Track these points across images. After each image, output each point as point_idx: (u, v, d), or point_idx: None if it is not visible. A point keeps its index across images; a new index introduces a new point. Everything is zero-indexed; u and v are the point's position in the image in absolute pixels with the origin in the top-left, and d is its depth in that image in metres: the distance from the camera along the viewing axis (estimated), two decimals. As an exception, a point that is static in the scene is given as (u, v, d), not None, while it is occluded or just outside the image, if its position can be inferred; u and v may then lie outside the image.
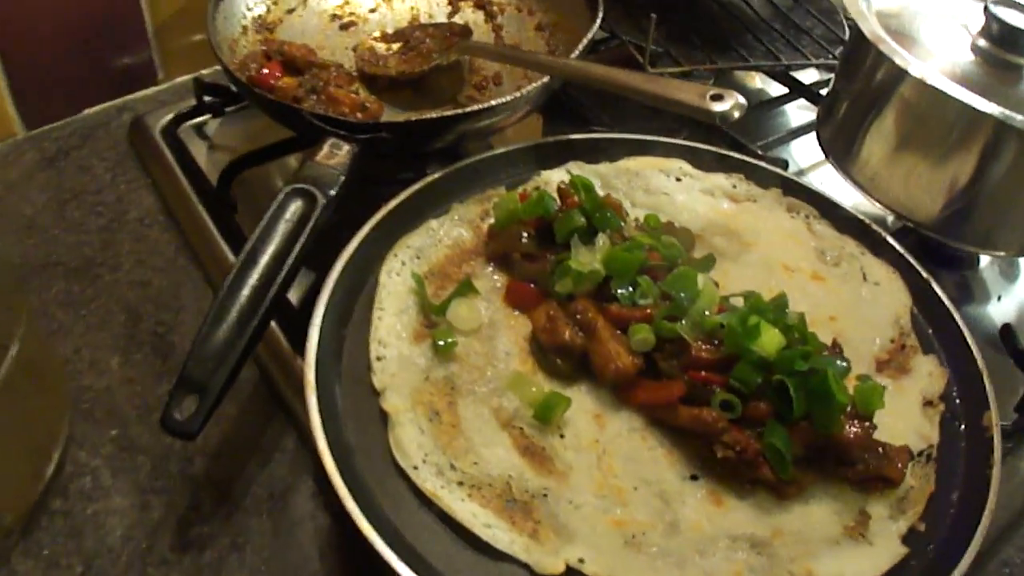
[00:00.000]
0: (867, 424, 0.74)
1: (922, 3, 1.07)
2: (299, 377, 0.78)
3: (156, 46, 1.26)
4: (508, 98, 0.95)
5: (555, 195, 0.89)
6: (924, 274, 0.91)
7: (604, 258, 0.81)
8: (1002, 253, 1.06)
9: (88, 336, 0.97)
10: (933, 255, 1.04)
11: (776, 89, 1.32)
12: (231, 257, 1.00)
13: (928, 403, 0.83)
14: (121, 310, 1.00)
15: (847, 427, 0.73)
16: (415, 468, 0.74)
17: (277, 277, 0.82)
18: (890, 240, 0.94)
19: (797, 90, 1.28)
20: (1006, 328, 0.97)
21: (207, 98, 1.17)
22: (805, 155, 1.20)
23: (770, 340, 0.73)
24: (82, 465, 0.86)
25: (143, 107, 1.25)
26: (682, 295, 0.78)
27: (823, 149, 1.09)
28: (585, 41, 1.03)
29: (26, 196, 1.13)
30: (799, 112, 1.31)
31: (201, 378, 0.77)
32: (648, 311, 0.78)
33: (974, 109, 0.90)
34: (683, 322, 0.76)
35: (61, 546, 0.80)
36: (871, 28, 0.97)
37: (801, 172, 1.15)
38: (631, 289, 0.80)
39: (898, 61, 0.94)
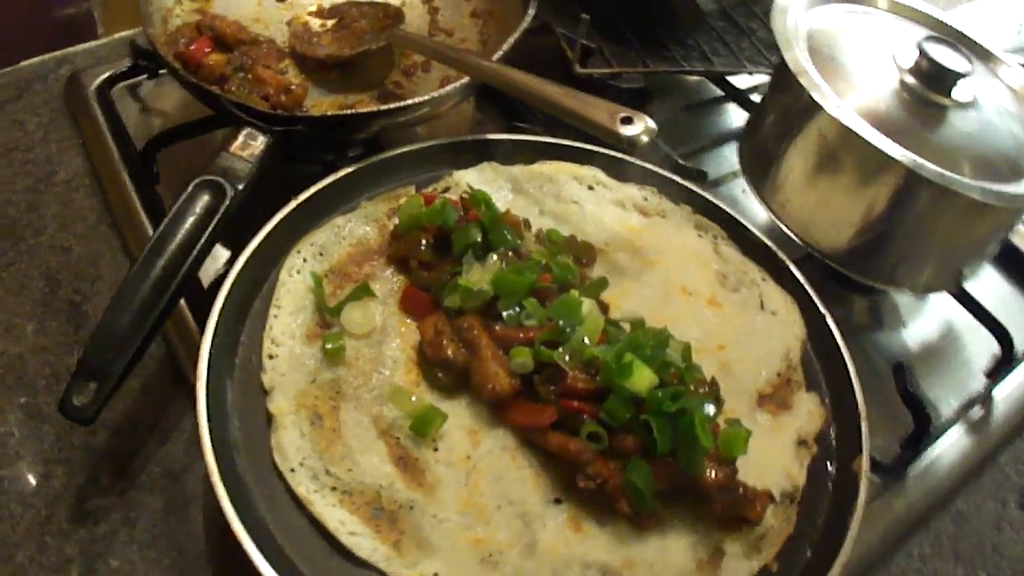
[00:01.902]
0: (729, 468, 0.77)
1: (857, 31, 1.07)
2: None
3: (98, 1, 1.26)
4: (425, 98, 0.97)
5: (459, 203, 0.91)
6: (821, 308, 0.94)
7: (493, 279, 0.83)
8: (906, 290, 1.09)
9: (6, 300, 0.99)
10: (845, 279, 1.06)
11: (714, 90, 1.32)
12: (150, 229, 1.02)
13: (802, 442, 0.86)
14: (40, 276, 1.02)
15: (709, 469, 0.76)
16: (292, 471, 0.77)
17: (181, 268, 0.85)
18: (792, 269, 0.97)
19: (731, 95, 1.29)
20: (898, 367, 1.00)
21: (142, 61, 1.18)
22: (731, 163, 1.20)
23: (641, 379, 0.76)
24: None
25: (82, 62, 1.26)
26: (564, 322, 0.81)
27: (741, 165, 1.10)
28: (516, 35, 1.05)
29: (-43, 148, 1.14)
30: (735, 114, 1.32)
31: (100, 365, 0.80)
32: (532, 334, 0.81)
33: (885, 154, 0.91)
34: (561, 349, 0.79)
35: (-36, 510, 0.84)
36: (794, 56, 0.98)
37: (719, 182, 1.16)
38: (517, 310, 0.83)
39: (815, 96, 0.94)
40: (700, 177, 1.12)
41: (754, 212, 1.09)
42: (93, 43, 1.30)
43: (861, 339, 1.09)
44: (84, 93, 1.18)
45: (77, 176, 1.12)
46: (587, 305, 0.83)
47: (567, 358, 0.79)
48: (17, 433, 0.90)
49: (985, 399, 1.06)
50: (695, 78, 1.32)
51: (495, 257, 0.85)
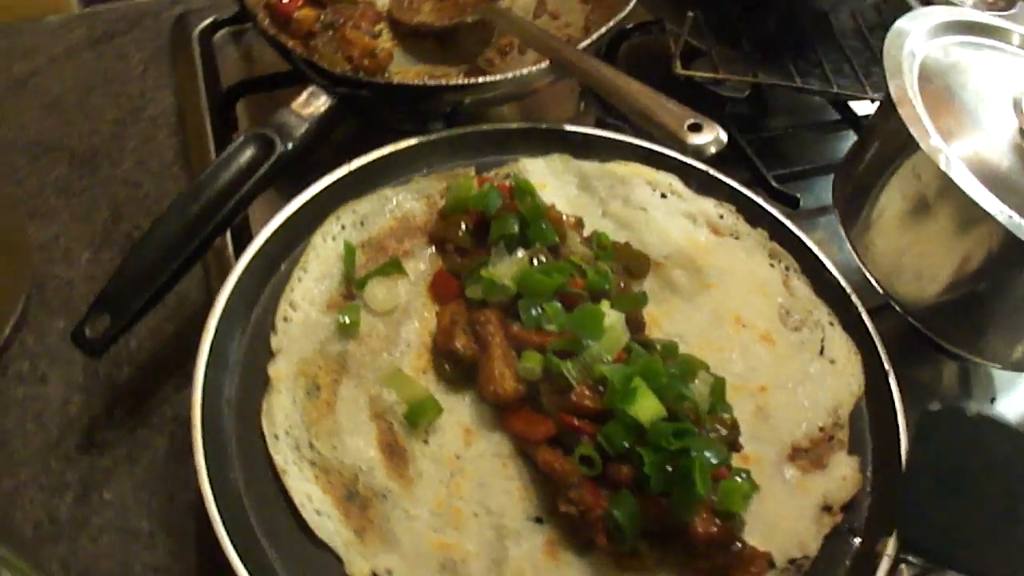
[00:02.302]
0: (727, 523, 0.70)
1: (982, 66, 0.95)
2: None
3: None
4: (497, 78, 0.93)
5: (505, 191, 0.87)
6: (886, 364, 0.85)
7: (518, 275, 0.79)
8: (991, 363, 0.96)
9: (71, 225, 1.02)
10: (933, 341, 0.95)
11: (834, 114, 1.22)
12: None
13: (827, 508, 0.78)
14: (107, 206, 1.04)
15: (703, 519, 0.70)
16: (276, 437, 0.76)
17: (214, 217, 0.84)
18: (864, 316, 0.88)
19: (849, 121, 1.19)
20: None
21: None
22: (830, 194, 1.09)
23: (645, 407, 0.70)
24: (27, 348, 0.92)
25: (195, 3, 1.28)
26: (583, 332, 0.75)
27: (834, 195, 1.01)
28: (609, 24, 0.99)
29: (61, 74, 1.19)
30: (851, 142, 1.20)
31: (117, 301, 0.81)
32: (546, 339, 0.76)
33: (981, 208, 0.81)
34: (571, 362, 0.74)
35: (-18, 418, 0.87)
36: (899, 85, 0.88)
37: (814, 213, 1.07)
38: (539, 312, 0.78)
39: (914, 131, 0.85)
40: (792, 204, 1.03)
41: (842, 252, 0.99)
42: (213, -15, 1.32)
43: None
44: (189, 34, 1.21)
45: (164, 114, 1.14)
46: (613, 319, 0.77)
47: (576, 372, 0.74)
48: (49, 356, 0.92)
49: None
50: (819, 99, 1.22)
51: (524, 252, 0.81)
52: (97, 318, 0.81)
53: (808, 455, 0.81)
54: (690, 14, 1.01)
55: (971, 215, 0.83)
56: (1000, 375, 1.02)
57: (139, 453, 0.86)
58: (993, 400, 1.00)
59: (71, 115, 1.13)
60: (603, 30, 0.98)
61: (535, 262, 0.81)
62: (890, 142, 0.91)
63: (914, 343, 0.95)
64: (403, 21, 1.11)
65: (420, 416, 0.76)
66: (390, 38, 1.11)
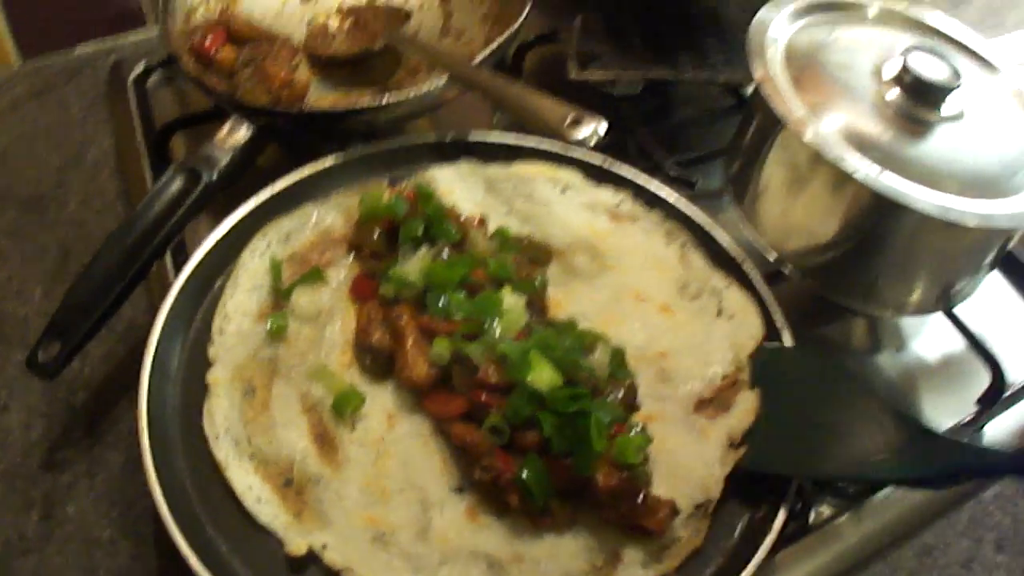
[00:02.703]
0: (626, 474, 0.79)
1: (843, 42, 1.05)
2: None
3: (149, -8, 1.38)
4: (403, 96, 1.02)
5: (411, 198, 0.96)
6: (779, 322, 0.93)
7: (424, 270, 0.88)
8: (883, 312, 1.06)
9: (22, 266, 1.10)
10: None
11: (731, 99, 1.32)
12: (158, 210, 1.11)
13: (732, 444, 0.86)
14: (56, 246, 1.12)
15: (604, 473, 0.78)
16: (216, 437, 0.84)
17: (149, 245, 0.93)
18: (753, 276, 0.97)
19: (739, 104, 1.28)
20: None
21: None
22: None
23: (542, 377, 0.79)
24: None
25: (129, 51, 1.37)
26: (484, 316, 0.85)
27: (726, 176, 1.10)
28: (502, 38, 1.08)
29: (5, 126, 1.27)
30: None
31: (66, 327, 0.90)
32: (453, 326, 0.85)
33: (846, 173, 0.90)
34: (476, 343, 0.83)
35: (-48, 446, 0.94)
36: (763, 69, 0.98)
37: (713, 194, 1.14)
38: (445, 302, 0.87)
39: (778, 109, 0.94)
40: (688, 186, 1.12)
41: (738, 226, 1.08)
42: (143, 35, 1.42)
43: (854, 359, 1.07)
44: (124, 80, 1.30)
45: (105, 158, 1.23)
46: (511, 302, 0.86)
47: (480, 352, 0.82)
48: (8, 386, 1.00)
49: (975, 429, 1.02)
50: (720, 88, 1.31)
51: (425, 251, 0.90)
52: (49, 344, 0.89)
53: (713, 403, 0.89)
54: (578, 19, 1.10)
55: (839, 178, 0.92)
56: (905, 323, 1.11)
57: (98, 468, 0.93)
58: (903, 347, 1.09)
59: (17, 165, 1.22)
60: (494, 45, 1.07)
61: (438, 258, 0.90)
62: (764, 120, 1.00)
63: (822, 306, 1.04)
64: (318, 52, 1.20)
65: (345, 406, 0.85)
66: (308, 69, 1.20)
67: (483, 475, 0.79)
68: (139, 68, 1.30)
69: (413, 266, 0.89)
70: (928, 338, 1.11)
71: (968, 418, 1.03)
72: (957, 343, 1.09)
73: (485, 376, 0.82)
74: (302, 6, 1.28)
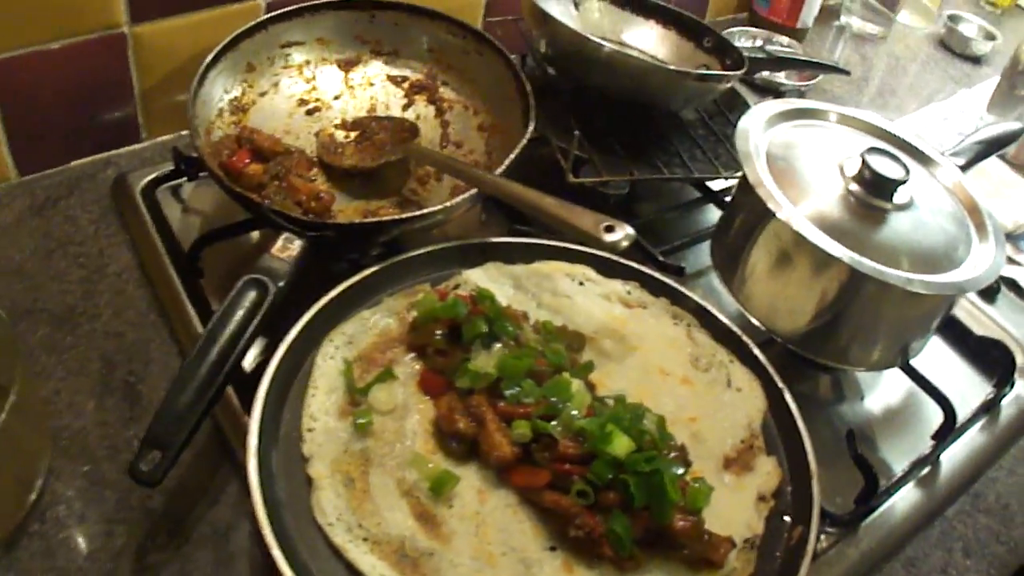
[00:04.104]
0: (695, 519, 1.00)
1: (811, 143, 1.32)
2: (246, 434, 1.01)
3: (141, 107, 1.51)
4: (440, 207, 1.21)
5: (468, 299, 1.14)
6: (779, 383, 1.16)
7: (497, 363, 1.06)
8: (855, 368, 1.33)
9: (67, 380, 1.20)
10: (809, 360, 1.30)
11: (694, 192, 1.58)
12: (195, 319, 1.25)
13: (761, 498, 1.08)
14: (97, 358, 1.23)
15: (678, 519, 0.99)
16: (330, 524, 0.99)
17: (232, 355, 1.07)
18: (755, 351, 1.20)
19: (708, 197, 1.55)
20: (849, 434, 1.22)
21: (183, 166, 1.42)
22: (708, 258, 1.42)
23: (620, 445, 0.99)
24: (58, 495, 1.08)
25: (126, 163, 1.50)
26: (556, 399, 1.04)
27: (713, 261, 1.35)
28: (516, 152, 1.28)
29: (16, 241, 1.36)
30: (713, 213, 1.57)
31: (164, 437, 1.01)
32: (530, 409, 1.04)
33: (828, 253, 1.15)
34: (554, 422, 1.02)
35: (38, 564, 1.03)
36: (753, 170, 1.23)
37: (698, 275, 1.41)
38: (518, 390, 1.06)
39: (770, 204, 1.19)
40: (678, 272, 1.36)
41: (726, 302, 1.33)
42: (137, 146, 1.55)
43: (824, 410, 1.34)
44: (131, 193, 1.42)
45: (127, 269, 1.34)
46: (576, 384, 1.07)
47: (559, 429, 1.02)
48: (82, 498, 1.09)
49: (933, 460, 1.30)
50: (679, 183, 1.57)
51: (498, 345, 1.09)
52: (147, 454, 1.01)
53: (738, 462, 1.11)
54: (576, 132, 1.33)
55: (822, 260, 1.18)
56: (866, 379, 1.39)
57: (190, 567, 1.05)
58: (862, 398, 1.36)
59: (38, 279, 1.31)
60: (513, 156, 1.27)
61: (506, 351, 1.09)
62: (752, 214, 1.26)
63: (794, 363, 1.30)
64: (335, 165, 1.38)
65: (442, 487, 1.01)
66: (324, 180, 1.37)
67: (577, 533, 0.98)
68: (145, 181, 1.43)
69: (485, 360, 1.07)
70: (885, 387, 1.39)
71: (926, 452, 1.30)
72: (909, 390, 1.37)
73: (565, 449, 1.01)
74: (307, 118, 1.46)
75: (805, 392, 1.30)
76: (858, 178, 1.24)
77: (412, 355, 1.14)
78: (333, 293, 1.16)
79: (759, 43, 2.06)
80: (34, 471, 1.08)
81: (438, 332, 1.12)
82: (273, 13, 1.45)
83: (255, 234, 1.37)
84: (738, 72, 1.51)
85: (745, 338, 1.21)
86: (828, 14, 2.29)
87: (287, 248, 1.16)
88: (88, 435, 1.16)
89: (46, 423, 1.14)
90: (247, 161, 1.31)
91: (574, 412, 1.04)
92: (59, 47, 1.39)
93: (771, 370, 1.18)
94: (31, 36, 1.36)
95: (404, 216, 1.21)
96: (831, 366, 1.32)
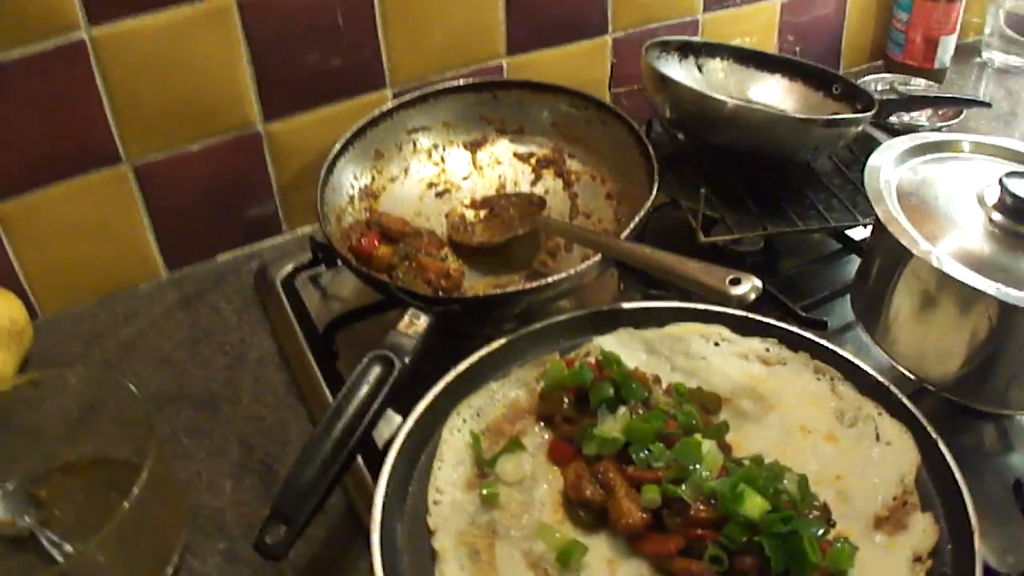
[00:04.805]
0: (838, 581, 0.94)
1: (945, 176, 1.26)
2: (374, 507, 1.03)
3: (280, 200, 1.60)
4: (564, 275, 1.21)
5: (594, 365, 1.13)
6: (933, 434, 1.09)
7: (624, 428, 1.04)
8: (1017, 412, 1.23)
9: (208, 461, 1.25)
10: (968, 408, 1.21)
11: (834, 243, 1.53)
12: (331, 399, 1.27)
13: (917, 559, 1.00)
14: (236, 440, 1.28)
15: (820, 581, 0.94)
16: (457, 597, 0.99)
17: (357, 430, 1.08)
18: (905, 401, 1.12)
19: (848, 246, 1.50)
20: (1017, 484, 1.14)
21: (320, 254, 1.49)
22: (851, 310, 1.36)
23: (754, 506, 0.95)
24: (194, 571, 1.12)
25: (269, 255, 1.58)
26: (687, 461, 1.01)
27: (854, 312, 1.30)
28: (640, 216, 1.27)
29: (164, 333, 1.46)
30: (855, 263, 1.49)
31: (289, 511, 1.04)
32: (659, 473, 1.01)
33: (974, 288, 1.08)
34: (684, 485, 0.99)
35: (174, 635, 1.08)
36: (885, 209, 1.18)
37: (842, 329, 1.35)
38: (647, 454, 1.03)
39: (905, 243, 1.14)
40: (821, 326, 1.31)
41: (872, 354, 1.27)
42: (279, 239, 1.64)
43: (988, 461, 1.24)
44: (272, 283, 1.49)
45: (267, 355, 1.40)
46: (707, 446, 1.02)
47: (690, 492, 0.98)
48: (217, 574, 1.12)
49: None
50: (817, 234, 1.52)
51: (624, 410, 1.07)
52: (273, 528, 1.03)
53: (890, 521, 1.04)
54: (702, 191, 1.31)
55: (969, 297, 1.11)
56: None
57: (321, 643, 1.08)
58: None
59: (184, 367, 1.39)
60: (637, 220, 1.26)
61: (634, 415, 1.06)
62: (889, 256, 1.21)
63: (951, 412, 1.22)
64: (464, 243, 1.41)
65: (570, 557, 0.99)
66: (455, 259, 1.40)
67: (712, 600, 0.94)
68: (285, 271, 1.51)
69: (612, 425, 1.05)
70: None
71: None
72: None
73: (697, 513, 0.97)
74: (437, 200, 1.50)
75: (966, 443, 1.21)
76: (999, 206, 1.17)
77: (541, 425, 1.14)
78: (462, 367, 1.17)
79: (895, 87, 1.99)
80: (170, 547, 1.12)
81: (565, 400, 1.11)
82: (398, 102, 1.52)
83: (388, 315, 1.40)
84: (867, 114, 1.47)
85: (893, 388, 1.14)
86: (967, 52, 2.20)
87: (413, 324, 1.19)
88: (225, 514, 1.20)
89: (183, 501, 1.19)
90: (376, 244, 1.35)
91: (706, 474, 1.00)
92: (199, 148, 1.49)
93: (923, 420, 1.11)
94: (173, 140, 1.47)
95: (529, 287, 1.22)
96: (991, 412, 1.23)
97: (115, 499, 1.14)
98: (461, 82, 1.56)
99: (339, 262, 1.48)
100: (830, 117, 1.46)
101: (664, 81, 1.46)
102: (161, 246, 1.54)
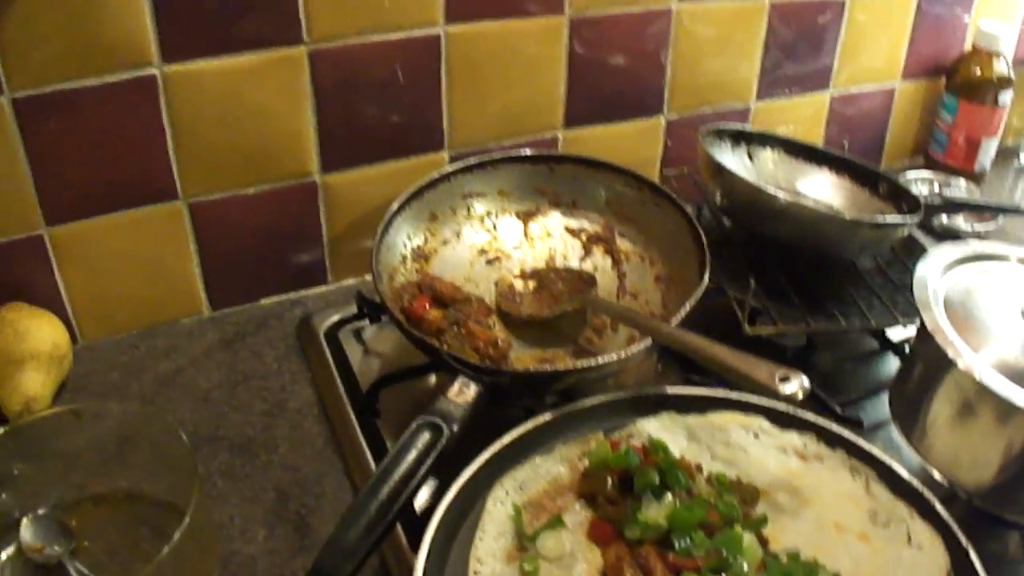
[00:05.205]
0: None
1: (991, 286, 1.32)
2: (412, 573, 1.05)
3: (329, 251, 1.64)
4: (614, 358, 1.25)
5: (641, 449, 1.17)
6: (963, 541, 1.11)
7: (667, 515, 1.08)
8: None
9: (242, 507, 1.27)
10: (1000, 517, 1.25)
11: (873, 341, 1.58)
12: (370, 458, 1.31)
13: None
14: (272, 488, 1.30)
15: None
16: (500, 668, 1.02)
17: (403, 494, 1.11)
18: (937, 506, 1.15)
19: (886, 346, 1.55)
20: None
21: (366, 309, 1.52)
22: (887, 409, 1.40)
23: (793, 600, 0.99)
24: None
25: (312, 304, 1.62)
26: (727, 552, 1.04)
27: (892, 412, 1.34)
28: (690, 302, 1.31)
29: (204, 371, 1.49)
30: (893, 363, 1.55)
31: (330, 569, 1.05)
32: (699, 562, 1.04)
33: (1013, 403, 1.12)
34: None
35: None
36: (932, 318, 1.22)
37: (876, 427, 1.39)
38: (688, 542, 1.06)
39: (950, 353, 1.18)
40: (857, 424, 1.35)
41: (906, 456, 1.31)
42: (323, 288, 1.68)
43: (1014, 569, 1.28)
44: (315, 333, 1.53)
45: (307, 405, 1.43)
46: (748, 539, 1.06)
47: (730, 583, 1.02)
48: None
49: None
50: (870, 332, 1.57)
51: (670, 496, 1.10)
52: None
53: (919, 626, 1.07)
54: (752, 282, 1.36)
55: (1008, 410, 1.15)
56: None
57: None
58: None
59: (222, 408, 1.42)
60: (687, 307, 1.30)
61: (678, 503, 1.10)
62: (932, 363, 1.25)
63: (982, 520, 1.25)
64: (513, 314, 1.45)
65: (606, 636, 1.03)
66: (501, 328, 1.44)
67: None
68: (330, 322, 1.54)
69: (656, 511, 1.08)
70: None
71: None
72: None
73: (735, 604, 1.01)
74: (487, 267, 1.54)
75: (995, 551, 1.24)
76: (1041, 321, 1.22)
77: (582, 503, 1.16)
78: (507, 439, 1.20)
79: (936, 187, 2.03)
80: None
81: (610, 481, 1.15)
82: (457, 166, 1.56)
83: (432, 377, 1.44)
84: (914, 218, 1.52)
85: (927, 493, 1.18)
86: (1007, 155, 2.24)
87: (463, 392, 1.22)
88: (257, 562, 1.22)
89: (217, 546, 1.21)
90: (427, 307, 1.39)
91: (745, 566, 1.04)
92: (255, 192, 1.54)
93: (954, 526, 1.14)
94: (230, 181, 1.52)
95: (578, 366, 1.26)
96: (1019, 522, 1.26)
97: (145, 535, 1.20)
98: (522, 152, 1.61)
99: (383, 318, 1.53)
100: (878, 221, 1.51)
101: (719, 170, 1.51)
102: (207, 284, 1.58)
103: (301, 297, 1.65)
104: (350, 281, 1.70)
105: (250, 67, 1.44)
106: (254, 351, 1.53)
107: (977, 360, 1.18)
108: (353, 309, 1.55)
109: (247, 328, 1.57)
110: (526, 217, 1.61)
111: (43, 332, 1.39)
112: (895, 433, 1.34)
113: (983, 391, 1.16)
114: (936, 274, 1.32)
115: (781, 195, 1.42)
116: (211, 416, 1.41)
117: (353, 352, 1.51)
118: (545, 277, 1.50)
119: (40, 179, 1.38)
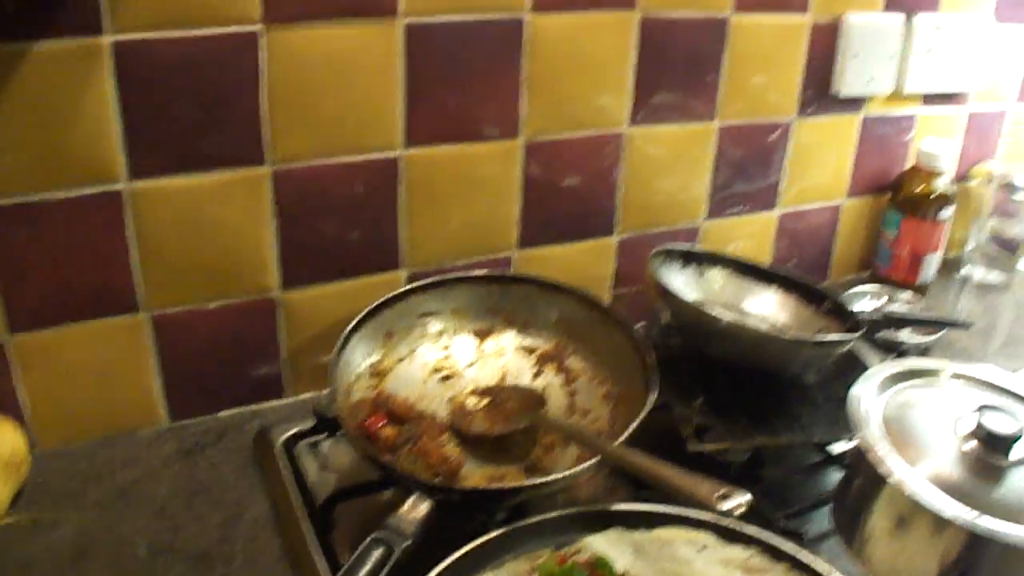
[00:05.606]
0: None
1: (925, 404, 1.39)
2: None
3: (287, 365, 1.70)
4: (563, 475, 1.30)
5: (586, 566, 1.22)
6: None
7: (616, 629, 1.13)
8: None
9: None
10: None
11: (816, 455, 1.64)
12: (325, 571, 1.32)
13: None
14: (228, 602, 1.34)
15: None
16: None
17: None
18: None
19: (829, 459, 1.62)
20: None
21: (322, 424, 1.57)
22: (829, 521, 1.46)
23: None
24: None
25: (270, 416, 1.67)
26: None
27: (834, 523, 1.41)
28: (636, 423, 1.37)
29: (161, 482, 1.52)
30: (835, 476, 1.61)
31: None
32: (648, 674, 1.10)
33: (942, 515, 1.20)
34: None
35: None
36: (864, 436, 1.30)
37: (819, 539, 1.44)
38: (628, 659, 1.12)
39: (880, 470, 1.26)
40: (798, 538, 1.40)
41: (847, 566, 1.34)
42: (281, 401, 1.73)
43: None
44: (271, 446, 1.56)
45: (263, 518, 1.46)
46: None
47: None
48: None
49: None
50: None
51: (614, 611, 1.15)
52: None
53: None
54: (700, 399, 1.43)
55: (938, 523, 1.22)
56: None
57: None
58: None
59: (178, 520, 1.44)
60: (633, 427, 1.36)
61: (625, 618, 1.15)
62: (867, 477, 1.32)
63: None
64: (465, 431, 1.50)
65: None
66: (454, 445, 1.49)
67: None
68: (287, 435, 1.58)
69: (598, 629, 1.14)
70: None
71: None
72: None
73: None
74: (441, 384, 1.60)
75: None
76: (973, 436, 1.29)
77: (532, 617, 1.21)
78: (456, 555, 1.23)
79: (882, 300, 2.12)
80: None
81: (556, 595, 1.20)
82: (414, 285, 1.64)
83: (387, 492, 1.48)
84: (854, 336, 1.60)
85: (869, 604, 1.24)
86: (949, 267, 2.36)
87: (415, 508, 1.26)
88: None
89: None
90: (382, 424, 1.44)
91: None
92: (216, 306, 1.60)
93: None
94: (192, 295, 1.58)
95: (527, 484, 1.32)
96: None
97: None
98: (476, 273, 1.69)
99: (340, 432, 1.57)
100: (819, 339, 1.59)
101: (665, 292, 1.59)
102: (167, 395, 1.62)
103: (260, 410, 1.70)
104: (307, 395, 1.75)
105: (215, 185, 1.51)
106: (212, 462, 1.57)
107: (910, 474, 1.26)
108: (311, 422, 1.60)
109: (206, 439, 1.61)
110: (481, 335, 1.68)
111: (2, 438, 1.43)
112: (838, 544, 1.40)
113: (915, 504, 1.23)
114: (871, 392, 1.39)
115: (724, 316, 1.50)
116: (168, 527, 1.44)
117: (310, 465, 1.55)
118: (498, 395, 1.56)
119: (4, 287, 1.44)
